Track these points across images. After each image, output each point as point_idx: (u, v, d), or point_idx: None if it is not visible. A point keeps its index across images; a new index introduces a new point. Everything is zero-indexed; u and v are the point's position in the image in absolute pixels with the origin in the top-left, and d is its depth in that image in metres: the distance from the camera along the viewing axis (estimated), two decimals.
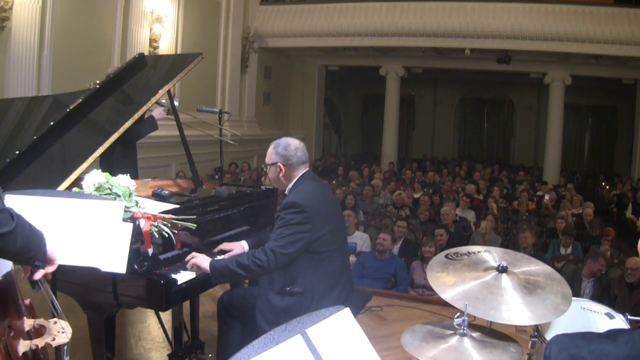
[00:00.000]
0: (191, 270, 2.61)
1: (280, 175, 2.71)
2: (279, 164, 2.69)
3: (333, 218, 2.70)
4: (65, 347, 1.71)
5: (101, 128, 2.93)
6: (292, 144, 2.72)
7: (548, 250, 6.61)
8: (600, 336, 1.50)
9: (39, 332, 1.73)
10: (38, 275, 1.70)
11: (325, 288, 2.63)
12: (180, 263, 2.64)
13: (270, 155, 2.74)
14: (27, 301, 1.82)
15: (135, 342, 3.69)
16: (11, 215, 1.51)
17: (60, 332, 1.70)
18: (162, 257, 2.59)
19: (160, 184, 3.46)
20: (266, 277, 2.68)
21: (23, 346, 1.62)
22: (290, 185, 2.72)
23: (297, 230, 2.53)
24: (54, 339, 1.67)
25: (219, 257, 2.76)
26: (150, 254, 2.46)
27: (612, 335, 1.57)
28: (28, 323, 1.71)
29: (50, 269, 1.74)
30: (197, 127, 4.09)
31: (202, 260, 2.59)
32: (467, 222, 7.71)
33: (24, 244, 1.54)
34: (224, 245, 2.89)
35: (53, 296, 1.88)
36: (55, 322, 1.73)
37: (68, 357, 1.70)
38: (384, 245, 5.35)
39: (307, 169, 2.76)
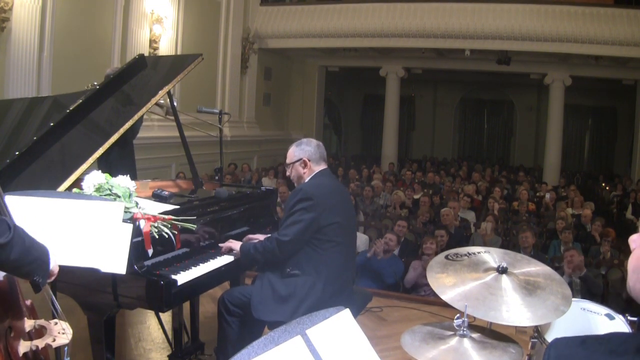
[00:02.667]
0: (226, 253, 2.83)
1: (305, 170, 2.86)
2: (304, 159, 2.86)
3: (341, 213, 2.81)
4: (66, 348, 1.70)
5: (101, 129, 2.93)
6: (313, 141, 2.94)
7: (548, 251, 6.60)
8: (601, 342, 1.45)
9: (39, 333, 1.72)
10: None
11: (325, 279, 2.70)
12: (179, 264, 2.64)
13: (293, 153, 2.90)
14: (28, 302, 1.82)
15: (135, 342, 3.69)
16: (8, 226, 1.46)
17: (61, 333, 1.69)
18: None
19: (160, 184, 3.46)
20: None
21: (23, 347, 1.62)
22: (307, 179, 2.86)
23: (301, 218, 2.68)
24: (54, 340, 1.66)
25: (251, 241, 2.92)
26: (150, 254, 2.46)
27: (615, 348, 1.50)
28: (29, 324, 1.71)
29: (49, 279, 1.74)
30: (197, 128, 4.10)
31: (235, 244, 2.84)
32: (467, 223, 7.71)
33: (19, 257, 1.49)
34: (251, 236, 3.03)
35: (53, 297, 1.88)
36: (56, 323, 1.73)
37: (69, 358, 1.70)
38: (389, 246, 5.36)
39: (326, 166, 2.93)
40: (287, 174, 3.01)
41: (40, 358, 1.68)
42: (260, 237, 3.01)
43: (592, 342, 1.46)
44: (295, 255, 2.74)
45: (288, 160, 2.93)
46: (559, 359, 1.48)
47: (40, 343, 1.64)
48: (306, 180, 2.87)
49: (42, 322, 1.72)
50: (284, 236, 2.68)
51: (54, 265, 1.67)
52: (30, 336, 1.69)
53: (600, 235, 6.77)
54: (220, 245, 2.89)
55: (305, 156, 2.87)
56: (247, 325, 2.79)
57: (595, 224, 7.22)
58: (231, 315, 2.81)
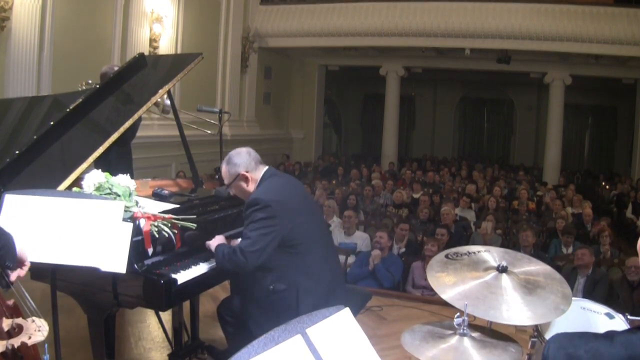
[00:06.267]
0: (208, 248, 2.70)
1: (247, 183, 2.68)
2: (241, 173, 2.67)
3: (302, 211, 2.66)
4: (46, 346, 1.70)
5: (101, 128, 2.93)
6: (241, 150, 2.73)
7: (549, 250, 6.61)
8: (598, 336, 1.53)
9: (18, 331, 1.72)
10: (13, 276, 1.72)
11: (309, 282, 2.60)
12: (180, 263, 2.64)
13: (227, 172, 2.70)
14: (10, 302, 1.82)
15: (135, 342, 3.69)
16: None
17: (37, 330, 1.69)
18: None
19: (160, 183, 3.46)
20: (248, 279, 2.67)
21: (0, 346, 1.61)
22: (254, 189, 2.70)
23: (263, 226, 2.50)
24: (30, 338, 1.65)
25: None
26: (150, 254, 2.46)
27: (610, 335, 1.59)
28: (7, 323, 1.71)
29: (22, 271, 1.76)
30: (196, 126, 4.10)
31: (213, 242, 2.68)
32: (467, 222, 7.71)
33: None
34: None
35: (26, 294, 1.88)
36: (33, 321, 1.72)
37: (47, 356, 1.70)
38: (381, 243, 5.35)
39: (266, 167, 2.75)
40: (232, 194, 2.79)
41: (20, 356, 1.68)
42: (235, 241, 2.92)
43: (590, 335, 1.55)
44: (269, 267, 2.58)
45: (226, 181, 2.71)
46: (559, 349, 1.55)
47: (15, 342, 1.63)
48: (254, 188, 2.69)
49: (19, 320, 1.73)
50: (248, 246, 2.48)
51: (21, 251, 1.69)
52: (10, 335, 1.69)
53: (598, 232, 6.76)
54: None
55: (242, 170, 2.66)
56: (243, 324, 2.75)
57: (601, 224, 7.16)
58: (230, 325, 2.79)
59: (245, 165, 2.67)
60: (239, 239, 2.95)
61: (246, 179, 2.68)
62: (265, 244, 2.50)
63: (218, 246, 2.66)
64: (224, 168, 2.72)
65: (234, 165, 2.68)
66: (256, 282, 2.65)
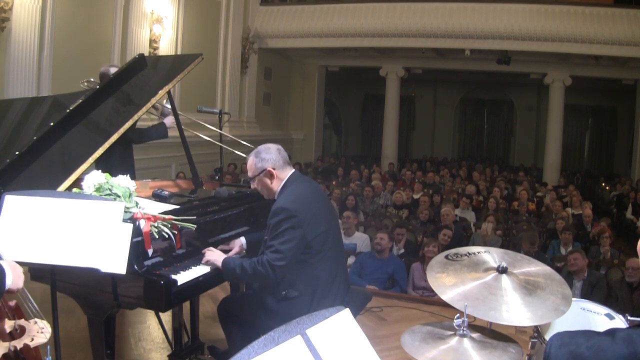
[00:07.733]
0: (206, 265, 2.65)
1: (272, 180, 2.67)
2: (268, 169, 2.65)
3: (324, 219, 2.66)
4: (48, 348, 1.70)
5: (101, 129, 2.93)
6: (272, 147, 2.71)
7: (547, 251, 6.61)
8: (600, 334, 1.54)
9: (20, 333, 1.72)
10: None
11: (321, 291, 2.61)
12: (180, 264, 2.64)
13: (254, 165, 2.68)
14: (11, 303, 1.81)
15: (135, 342, 3.68)
16: None
17: (39, 332, 1.69)
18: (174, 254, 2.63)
19: (160, 184, 3.47)
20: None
21: (2, 348, 1.61)
22: (279, 189, 2.68)
23: (291, 238, 2.50)
24: (32, 340, 1.65)
25: (232, 255, 2.79)
26: (150, 255, 2.46)
27: (611, 332, 1.60)
28: (9, 324, 1.71)
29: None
30: (195, 128, 4.10)
31: (217, 257, 2.64)
32: (467, 223, 7.71)
33: None
34: (223, 247, 2.90)
35: (28, 295, 1.88)
36: (35, 322, 1.72)
37: (50, 358, 1.69)
38: (381, 245, 5.34)
39: (293, 169, 2.73)
40: (253, 187, 2.76)
41: (22, 358, 1.68)
42: (234, 244, 2.92)
43: (592, 332, 1.57)
44: (287, 275, 2.57)
45: (250, 174, 2.69)
46: (561, 347, 1.56)
47: (18, 343, 1.62)
48: (277, 191, 2.67)
49: (21, 322, 1.72)
50: (277, 260, 2.46)
51: (11, 284, 1.64)
52: (12, 337, 1.69)
53: (598, 233, 6.76)
54: (203, 251, 2.73)
55: (269, 165, 2.64)
56: (249, 332, 2.74)
57: (601, 225, 7.15)
58: (233, 324, 2.79)
59: (273, 162, 2.66)
60: (239, 240, 2.97)
61: (271, 176, 2.66)
62: (292, 256, 2.51)
63: (227, 260, 2.63)
64: (250, 160, 2.70)
65: (261, 159, 2.66)
66: (268, 287, 2.65)
